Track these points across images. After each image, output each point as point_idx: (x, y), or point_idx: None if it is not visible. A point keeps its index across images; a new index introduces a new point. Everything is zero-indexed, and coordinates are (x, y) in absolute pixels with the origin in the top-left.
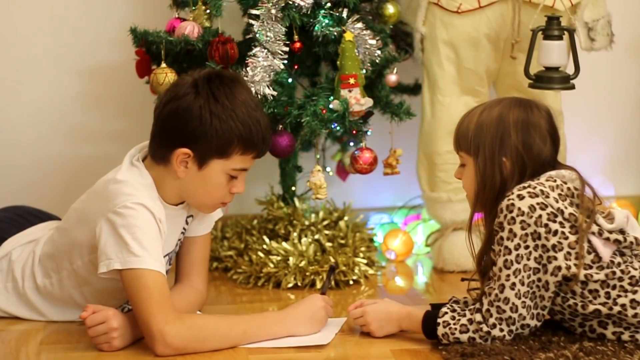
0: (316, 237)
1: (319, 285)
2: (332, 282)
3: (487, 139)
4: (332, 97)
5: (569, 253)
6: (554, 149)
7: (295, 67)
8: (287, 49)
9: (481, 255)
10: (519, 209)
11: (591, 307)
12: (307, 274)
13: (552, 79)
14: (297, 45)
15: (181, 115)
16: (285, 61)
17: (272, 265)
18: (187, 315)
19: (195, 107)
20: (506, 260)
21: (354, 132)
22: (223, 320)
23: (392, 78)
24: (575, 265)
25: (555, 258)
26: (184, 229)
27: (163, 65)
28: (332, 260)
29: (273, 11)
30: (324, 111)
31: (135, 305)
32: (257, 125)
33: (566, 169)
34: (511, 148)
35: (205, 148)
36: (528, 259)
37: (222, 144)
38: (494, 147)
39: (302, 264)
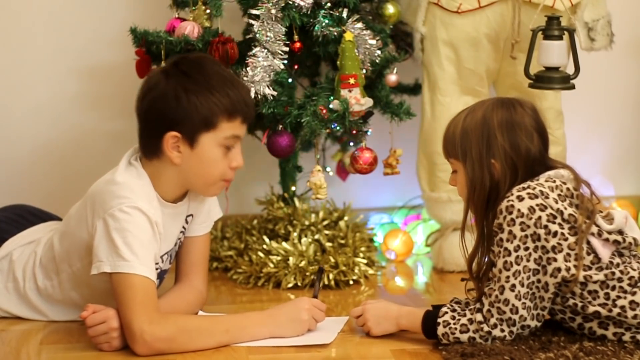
0: (316, 237)
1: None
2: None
3: (473, 143)
4: (332, 97)
5: (568, 254)
6: (543, 145)
7: (295, 67)
8: (287, 49)
9: (472, 256)
10: (519, 210)
11: (591, 309)
12: (307, 274)
13: (552, 79)
14: (297, 45)
15: (159, 103)
16: (285, 61)
17: (272, 265)
18: (170, 314)
19: (169, 90)
20: (506, 261)
21: (354, 132)
22: (206, 319)
23: (392, 78)
24: (574, 266)
25: (555, 259)
26: (184, 227)
27: (163, 65)
28: (333, 260)
29: (273, 11)
30: (324, 111)
31: (119, 306)
32: (234, 90)
33: (563, 168)
34: (499, 149)
35: (191, 125)
36: (528, 261)
37: (206, 117)
38: (481, 151)
39: (302, 264)
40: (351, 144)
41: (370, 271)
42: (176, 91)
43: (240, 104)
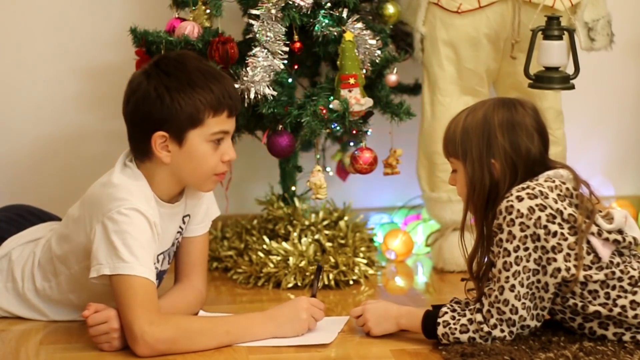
0: (316, 237)
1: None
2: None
3: (473, 143)
4: (332, 97)
5: (568, 254)
6: (543, 146)
7: (295, 67)
8: (287, 49)
9: (472, 257)
10: (518, 210)
11: (591, 308)
12: (307, 274)
13: (552, 79)
14: (297, 45)
15: (143, 104)
16: (285, 61)
17: (272, 265)
18: (172, 315)
19: (151, 90)
20: (505, 262)
21: (354, 132)
22: (207, 320)
23: (392, 78)
24: (574, 266)
25: (555, 259)
26: (181, 227)
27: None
28: (333, 260)
29: (273, 11)
30: (324, 111)
31: (120, 308)
32: (216, 84)
33: (562, 168)
34: (499, 149)
35: (177, 124)
36: (527, 261)
37: (190, 114)
38: (482, 150)
39: (302, 264)
40: (351, 144)
41: (370, 271)
42: (158, 91)
43: (225, 98)
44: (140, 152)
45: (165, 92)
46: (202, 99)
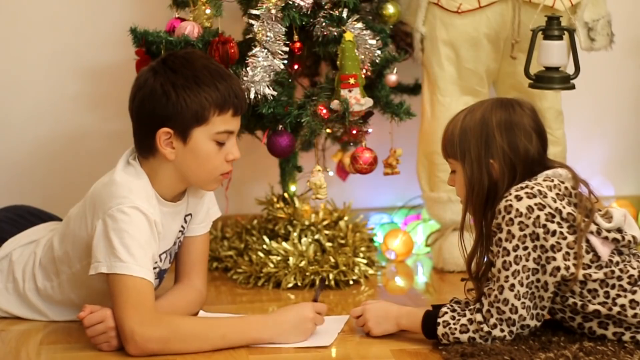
0: (316, 237)
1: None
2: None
3: (472, 143)
4: (332, 97)
5: (567, 253)
6: (542, 146)
7: (295, 67)
8: (287, 49)
9: (472, 256)
10: (517, 210)
11: (591, 307)
12: (307, 274)
13: (552, 79)
14: (297, 45)
15: (149, 100)
16: (285, 61)
17: (272, 265)
18: (165, 315)
19: (157, 87)
20: (505, 261)
21: (354, 132)
22: (202, 322)
23: (392, 78)
24: (574, 265)
25: (554, 258)
26: (183, 227)
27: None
28: (333, 260)
29: (273, 11)
30: (324, 111)
31: (114, 307)
32: (223, 83)
33: (560, 167)
34: (497, 150)
35: (182, 121)
36: (527, 260)
37: (196, 111)
38: (480, 151)
39: (302, 264)
40: (351, 144)
41: (370, 271)
42: (164, 88)
43: (231, 97)
44: (145, 148)
45: (171, 89)
46: (207, 96)
